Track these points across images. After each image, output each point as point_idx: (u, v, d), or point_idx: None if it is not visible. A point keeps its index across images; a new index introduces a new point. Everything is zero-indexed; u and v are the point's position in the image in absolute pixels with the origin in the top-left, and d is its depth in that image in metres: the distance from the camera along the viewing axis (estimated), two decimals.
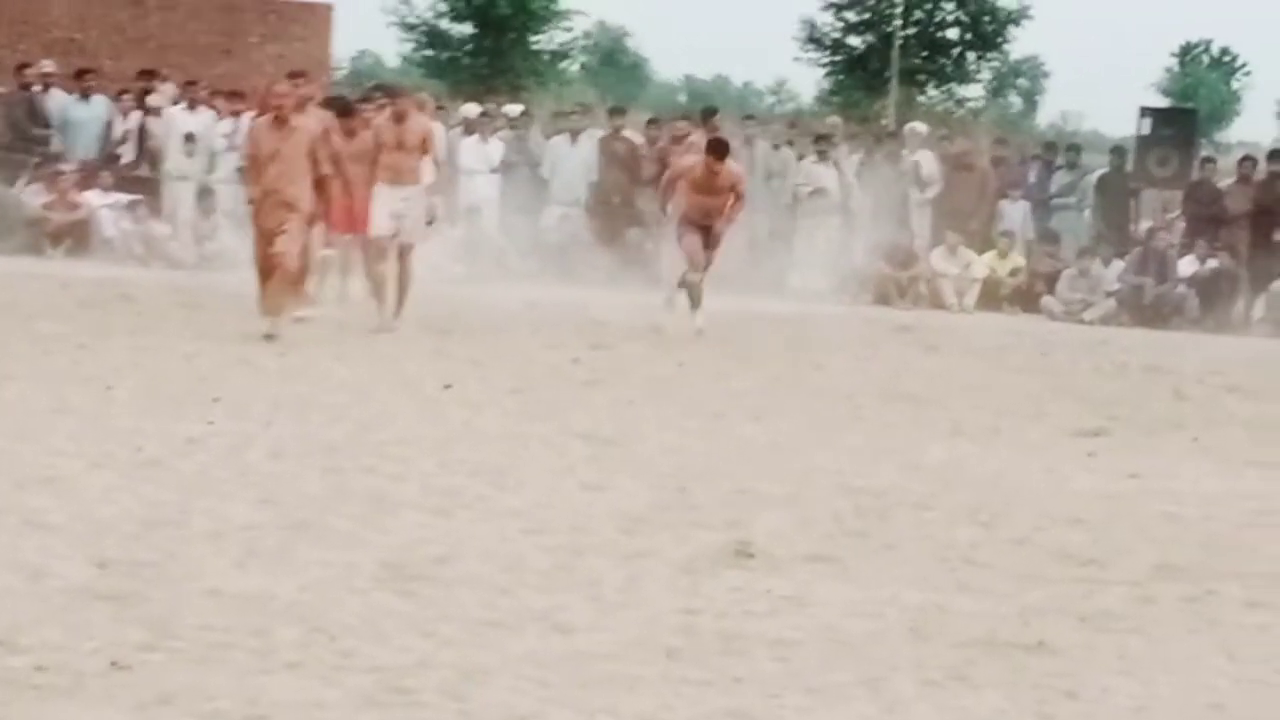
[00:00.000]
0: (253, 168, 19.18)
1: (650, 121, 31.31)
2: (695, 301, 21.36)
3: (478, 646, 8.10)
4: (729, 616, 8.93)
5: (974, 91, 49.79)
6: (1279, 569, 10.78)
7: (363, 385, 15.83)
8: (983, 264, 28.57)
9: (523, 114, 31.08)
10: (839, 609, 9.23)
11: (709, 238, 21.26)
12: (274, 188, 18.60)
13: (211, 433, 12.94)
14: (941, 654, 8.56)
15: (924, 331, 23.40)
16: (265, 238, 18.43)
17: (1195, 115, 36.56)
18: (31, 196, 27.25)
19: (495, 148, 29.02)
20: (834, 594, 9.54)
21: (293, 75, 22.00)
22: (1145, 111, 32.17)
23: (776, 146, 30.44)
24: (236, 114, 27.29)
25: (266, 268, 18.43)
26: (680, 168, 22.14)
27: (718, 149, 21.56)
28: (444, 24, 48.47)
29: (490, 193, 28.45)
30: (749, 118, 35.92)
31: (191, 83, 28.83)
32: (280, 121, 18.97)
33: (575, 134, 29.32)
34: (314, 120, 20.06)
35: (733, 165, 21.92)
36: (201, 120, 28.20)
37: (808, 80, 49.69)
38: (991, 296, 28.11)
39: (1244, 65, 77.73)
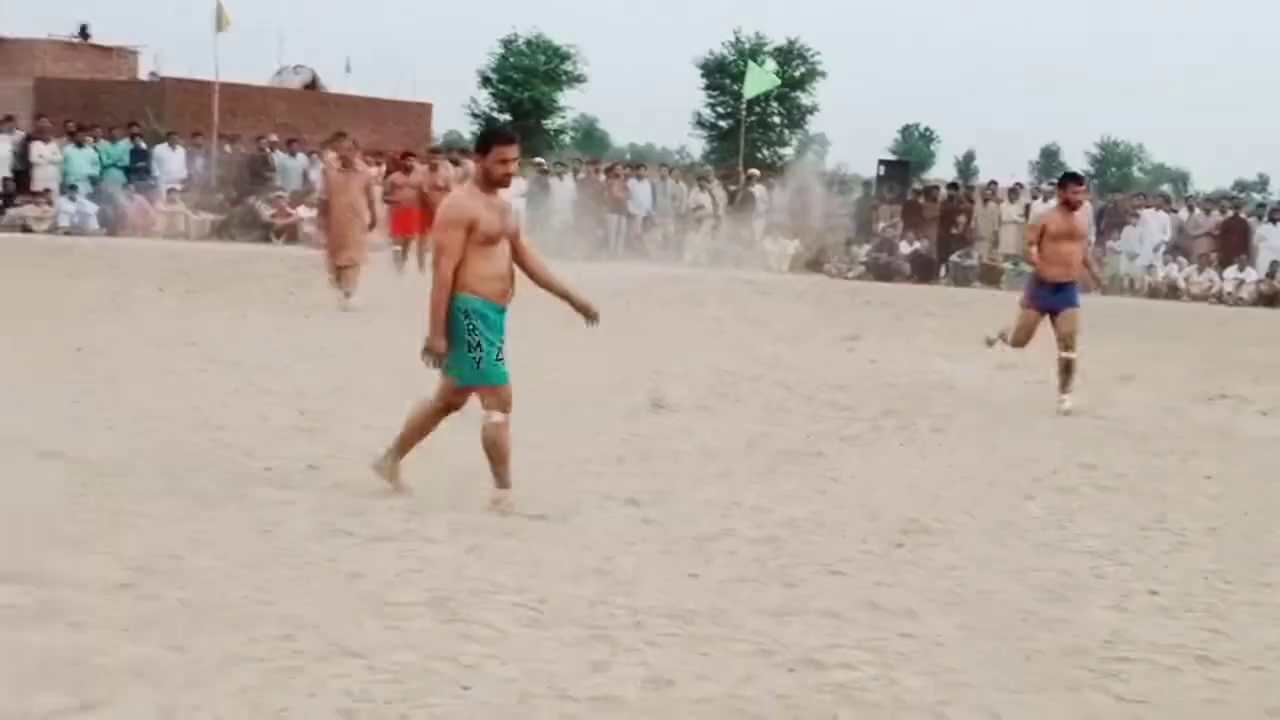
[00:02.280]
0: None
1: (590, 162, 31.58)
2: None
3: (522, 454, 8.09)
4: (650, 439, 8.96)
5: (788, 151, 49.44)
6: (948, 410, 10.85)
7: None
8: (793, 245, 28.52)
9: (538, 164, 30.88)
10: (709, 435, 9.25)
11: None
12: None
13: (363, 340, 12.90)
14: (765, 459, 8.61)
15: (760, 284, 23.32)
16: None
17: (909, 165, 36.42)
18: (264, 209, 27.05)
19: (522, 183, 28.89)
20: (706, 426, 9.55)
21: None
22: (881, 162, 32.10)
23: (678, 181, 30.38)
24: (379, 164, 27.12)
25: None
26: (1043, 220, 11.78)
27: None
28: (495, 114, 47.90)
29: (520, 206, 28.32)
30: (664, 165, 36.08)
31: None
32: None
33: (563, 175, 29.16)
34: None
35: None
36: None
37: (697, 145, 49.87)
38: (797, 264, 28.04)
39: (937, 136, 77.69)
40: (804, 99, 49.01)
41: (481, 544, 6.15)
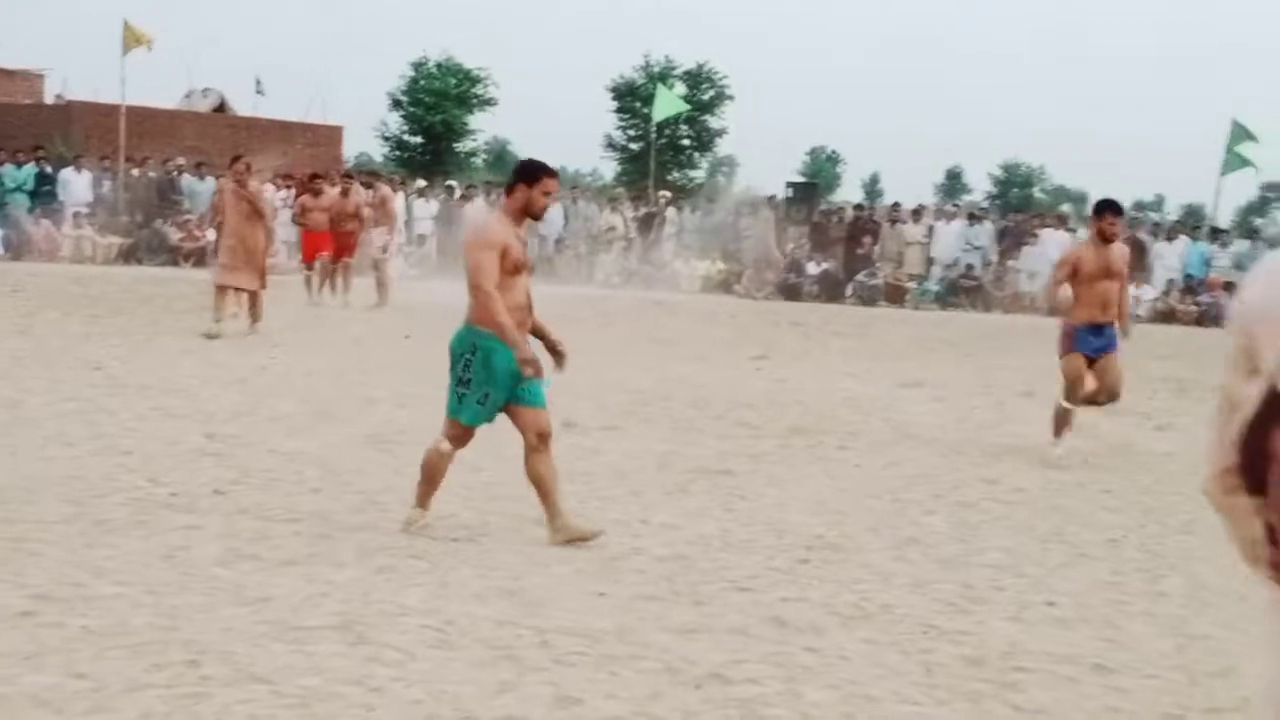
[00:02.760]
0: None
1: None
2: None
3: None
4: (560, 459, 8.90)
5: (698, 174, 49.72)
6: (854, 428, 10.95)
7: (359, 337, 15.68)
8: (703, 267, 28.65)
9: (449, 187, 30.76)
10: (619, 454, 9.28)
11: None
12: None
13: (271, 364, 12.79)
14: (674, 478, 8.63)
15: (670, 305, 23.39)
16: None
17: (816, 187, 36.68)
18: (171, 232, 26.67)
19: (433, 205, 28.83)
20: (616, 446, 9.58)
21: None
22: (789, 184, 32.33)
23: (589, 203, 30.43)
24: (288, 187, 26.90)
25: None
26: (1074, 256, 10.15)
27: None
28: (406, 136, 47.69)
29: (430, 229, 28.23)
30: (575, 187, 36.02)
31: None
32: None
33: (472, 198, 29.10)
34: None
35: None
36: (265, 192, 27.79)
37: (609, 168, 49.93)
38: (708, 285, 28.16)
39: (843, 159, 78.55)
40: (713, 122, 49.32)
41: (390, 566, 6.12)
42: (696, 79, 48.68)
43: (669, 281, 27.81)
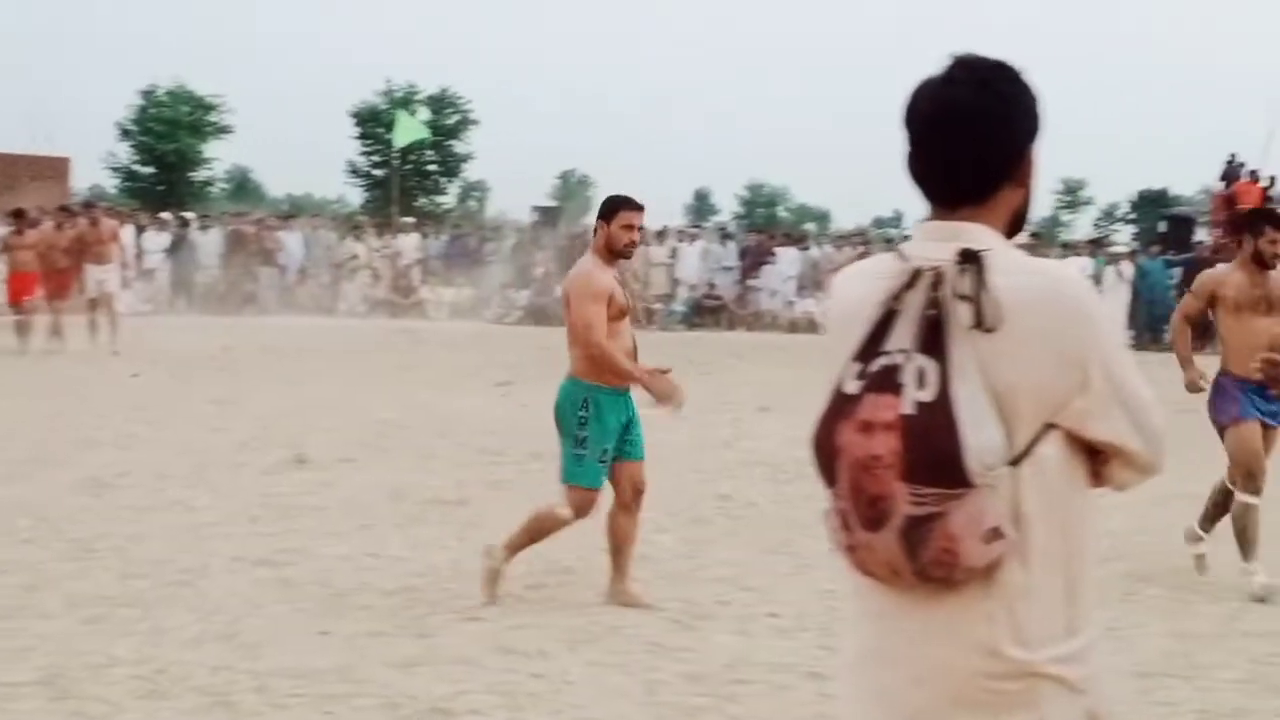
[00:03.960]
0: None
1: (237, 214, 30.67)
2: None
3: (147, 517, 7.85)
4: (290, 496, 8.77)
5: (446, 199, 49.58)
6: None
7: (82, 378, 15.09)
8: (450, 293, 28.54)
9: (182, 219, 29.83)
10: (353, 487, 9.14)
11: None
12: None
13: None
14: (409, 509, 8.56)
15: (417, 333, 23.19)
16: None
17: (562, 210, 36.97)
18: None
19: (165, 237, 27.86)
20: (351, 479, 9.44)
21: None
22: (536, 208, 32.56)
23: (331, 231, 30.03)
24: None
25: None
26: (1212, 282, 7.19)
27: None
28: (137, 167, 46.20)
29: (161, 262, 27.28)
30: (315, 215, 35.55)
31: None
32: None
33: (209, 228, 28.34)
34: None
35: None
36: None
37: (356, 194, 49.32)
38: (456, 311, 28.03)
39: (593, 182, 79.38)
40: (459, 147, 49.24)
41: (100, 615, 5.91)
42: (440, 103, 48.55)
43: (415, 309, 27.61)
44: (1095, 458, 2.09)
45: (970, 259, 2.05)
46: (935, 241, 2.12)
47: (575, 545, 7.58)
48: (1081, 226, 64.98)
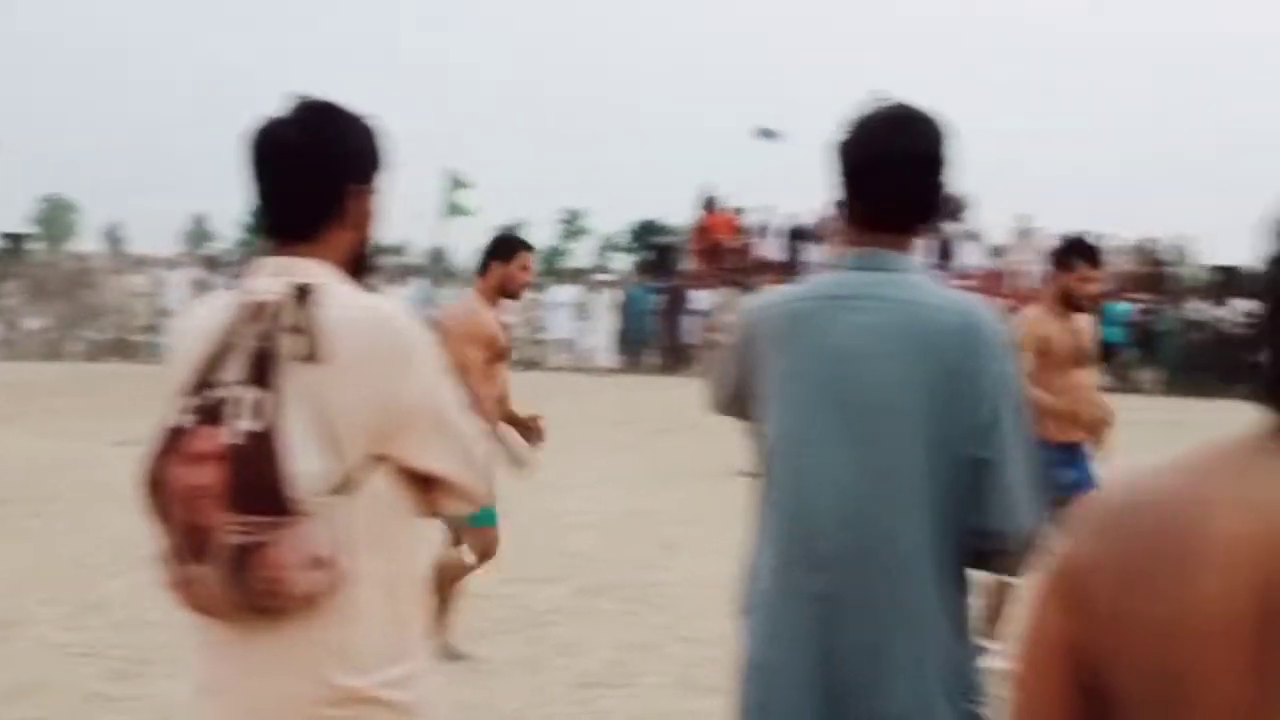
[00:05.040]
0: None
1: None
2: None
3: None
4: None
5: None
6: (53, 494, 10.40)
7: None
8: None
9: None
10: None
11: None
12: None
13: None
14: None
15: None
16: None
17: (22, 237, 34.46)
18: None
19: None
20: None
21: None
22: (2, 235, 30.57)
23: None
24: None
25: None
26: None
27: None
28: None
29: None
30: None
31: None
32: None
33: None
34: None
35: None
36: None
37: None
38: None
39: (78, 206, 75.28)
40: None
41: None
42: None
43: None
44: (422, 486, 2.20)
45: (302, 293, 2.12)
46: (272, 276, 2.18)
47: (12, 595, 7.17)
48: (582, 255, 67.14)
